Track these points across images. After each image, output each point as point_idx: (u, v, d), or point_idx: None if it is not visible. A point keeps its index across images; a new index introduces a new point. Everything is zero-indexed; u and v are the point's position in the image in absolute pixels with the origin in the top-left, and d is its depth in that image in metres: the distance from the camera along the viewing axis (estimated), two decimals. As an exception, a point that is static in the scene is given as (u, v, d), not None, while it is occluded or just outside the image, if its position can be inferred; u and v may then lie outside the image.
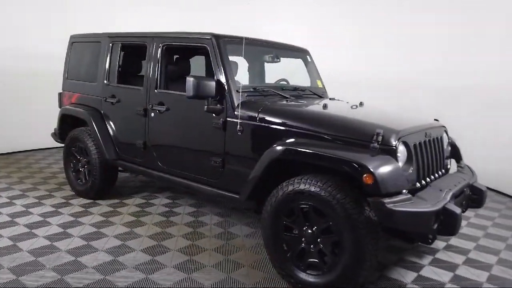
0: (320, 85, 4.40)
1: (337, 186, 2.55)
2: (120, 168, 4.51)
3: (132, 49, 4.31)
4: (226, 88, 3.29)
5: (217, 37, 3.43)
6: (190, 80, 3.14)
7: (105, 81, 4.32)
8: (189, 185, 3.64)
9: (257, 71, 4.45)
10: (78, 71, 4.77)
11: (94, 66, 4.52)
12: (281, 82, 4.18)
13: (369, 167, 2.38)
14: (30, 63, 6.73)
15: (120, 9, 7.59)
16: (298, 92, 3.93)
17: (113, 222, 3.95)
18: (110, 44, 4.29)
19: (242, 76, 3.98)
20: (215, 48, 3.38)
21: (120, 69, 4.25)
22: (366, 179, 2.37)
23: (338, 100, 3.96)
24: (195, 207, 4.47)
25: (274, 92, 3.63)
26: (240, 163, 3.26)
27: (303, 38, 5.93)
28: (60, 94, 5.01)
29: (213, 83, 3.22)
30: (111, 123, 4.31)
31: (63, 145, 4.88)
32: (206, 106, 3.26)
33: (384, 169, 2.42)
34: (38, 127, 6.92)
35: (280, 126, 3.01)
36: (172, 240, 3.59)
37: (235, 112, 3.21)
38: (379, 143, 2.57)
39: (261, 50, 3.96)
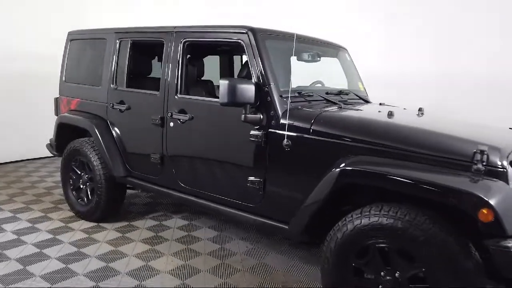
0: (361, 88, 3.81)
1: (436, 221, 1.96)
2: (129, 186, 3.86)
3: (144, 47, 3.68)
4: (268, 93, 2.69)
5: (255, 30, 2.82)
6: (225, 83, 2.53)
7: (111, 85, 3.68)
8: (219, 210, 3.01)
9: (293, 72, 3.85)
10: (78, 73, 4.12)
11: (97, 67, 3.87)
12: (317, 85, 3.59)
13: (487, 199, 1.79)
14: (20, 63, 6.05)
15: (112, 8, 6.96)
16: (342, 97, 3.33)
17: (124, 253, 3.30)
18: (118, 42, 3.66)
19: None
20: (253, 44, 2.77)
21: (130, 70, 3.61)
22: (484, 215, 1.78)
23: (392, 106, 3.38)
24: (216, 230, 3.84)
25: (320, 97, 3.03)
26: (286, 185, 2.65)
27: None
28: (56, 99, 4.35)
29: (252, 87, 2.62)
30: (119, 133, 3.67)
31: (59, 157, 4.24)
32: (243, 115, 2.65)
33: (504, 201, 1.83)
34: (29, 135, 6.25)
35: (343, 140, 2.41)
36: (198, 277, 2.96)
37: (281, 123, 2.61)
38: (484, 164, 1.99)
39: (301, 48, 3.35)
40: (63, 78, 4.25)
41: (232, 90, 2.54)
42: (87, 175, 3.93)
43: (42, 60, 6.09)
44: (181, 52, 3.18)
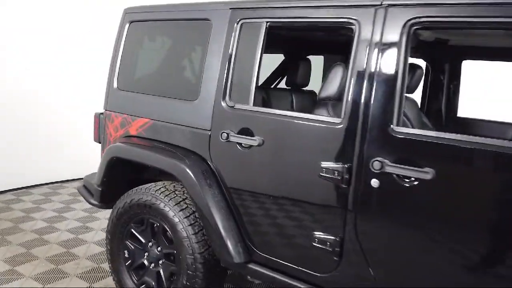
0: None
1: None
2: (247, 276, 2.26)
3: (297, 37, 2.16)
4: None
5: None
6: None
7: (223, 100, 2.10)
8: None
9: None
10: (146, 75, 2.54)
11: (189, 68, 2.30)
12: None
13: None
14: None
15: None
16: None
17: None
18: (237, 25, 2.10)
19: None
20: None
21: (262, 76, 2.08)
22: None
23: None
24: None
25: None
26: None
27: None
28: (100, 116, 2.73)
29: None
30: (238, 188, 2.09)
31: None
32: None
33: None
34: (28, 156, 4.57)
35: None
36: None
37: None
38: None
39: None
40: (114, 84, 2.63)
41: None
42: (161, 249, 2.33)
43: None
44: (405, 38, 1.64)
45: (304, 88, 3.00)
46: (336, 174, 1.71)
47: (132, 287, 2.47)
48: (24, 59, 4.70)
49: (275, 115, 1.94)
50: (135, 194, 2.34)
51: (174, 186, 2.35)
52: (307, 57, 2.96)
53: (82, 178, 5.38)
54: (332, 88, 2.01)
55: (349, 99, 1.72)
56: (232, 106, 2.07)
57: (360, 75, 1.71)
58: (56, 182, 5.20)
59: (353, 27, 1.75)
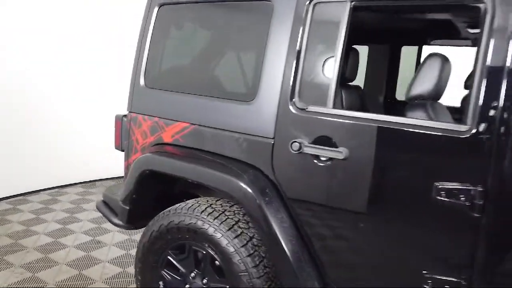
0: None
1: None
2: None
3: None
4: None
5: None
6: None
7: (292, 102, 1.67)
8: None
9: None
10: (182, 71, 2.10)
11: (241, 62, 1.88)
12: None
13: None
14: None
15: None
16: None
17: None
18: (309, 6, 1.66)
19: None
20: None
21: (344, 70, 1.71)
22: None
23: None
24: None
25: None
26: None
27: None
28: (123, 119, 2.29)
29: None
30: (311, 210, 1.68)
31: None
32: None
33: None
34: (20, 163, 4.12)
35: None
36: None
37: None
38: None
39: None
40: (141, 81, 2.18)
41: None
42: (207, 282, 1.92)
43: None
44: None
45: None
46: (463, 198, 1.32)
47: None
48: (24, 59, 4.24)
49: (368, 120, 1.52)
50: (174, 216, 1.92)
51: (221, 205, 1.94)
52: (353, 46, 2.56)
53: (82, 183, 5.03)
54: (428, 85, 1.61)
55: (480, 100, 1.32)
56: (304, 109, 1.66)
57: (496, 70, 1.31)
58: (55, 187, 4.73)
59: (483, 6, 1.34)
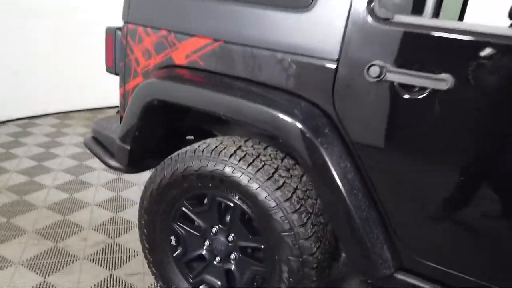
0: None
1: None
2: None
3: None
4: None
5: None
6: None
7: (369, 10, 1.19)
8: None
9: None
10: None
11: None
12: None
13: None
14: None
15: None
16: None
17: None
18: None
19: None
20: None
21: None
22: None
23: None
24: None
25: None
26: None
27: None
28: (117, 32, 1.74)
29: None
30: (390, 160, 1.27)
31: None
32: None
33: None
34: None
35: None
36: None
37: None
38: None
39: None
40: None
41: None
42: (234, 239, 1.55)
43: None
44: None
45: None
46: None
47: (176, 282, 1.73)
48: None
49: (489, 36, 1.08)
50: (192, 159, 1.49)
51: (253, 146, 1.52)
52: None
53: (54, 114, 4.45)
54: None
55: None
56: (388, 19, 1.19)
57: None
58: (24, 118, 4.15)
59: None
